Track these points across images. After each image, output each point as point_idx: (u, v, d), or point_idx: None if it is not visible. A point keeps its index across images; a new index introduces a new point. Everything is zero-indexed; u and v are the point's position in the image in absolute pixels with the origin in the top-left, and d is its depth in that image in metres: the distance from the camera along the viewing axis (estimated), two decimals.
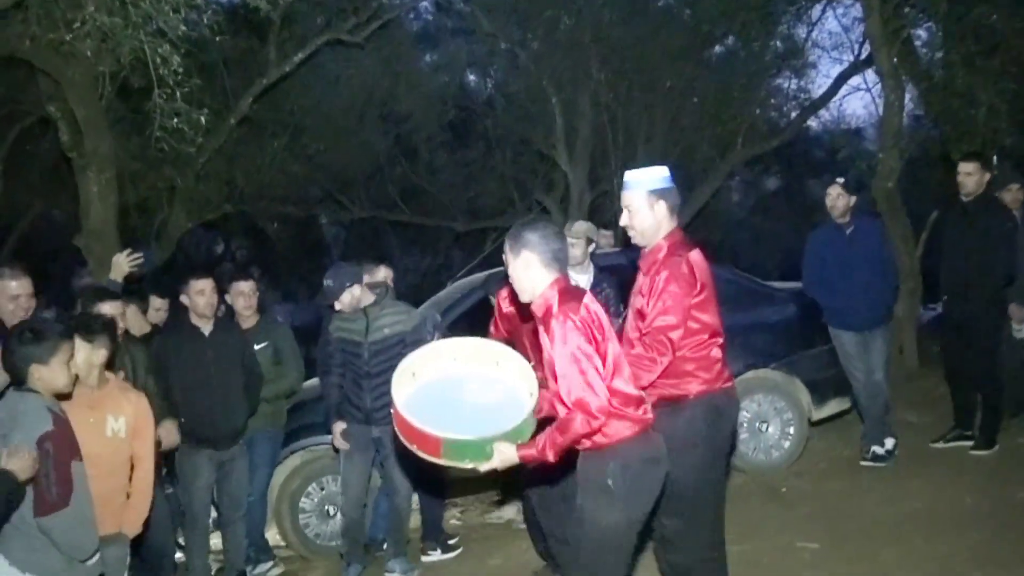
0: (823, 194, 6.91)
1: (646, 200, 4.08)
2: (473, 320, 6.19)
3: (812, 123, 16.80)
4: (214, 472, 5.66)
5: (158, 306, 6.24)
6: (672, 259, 4.00)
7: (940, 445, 6.84)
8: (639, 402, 3.59)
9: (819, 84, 22.71)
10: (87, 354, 3.91)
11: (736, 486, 6.59)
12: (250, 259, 17.42)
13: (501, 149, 14.02)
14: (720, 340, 4.15)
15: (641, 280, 4.09)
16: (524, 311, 3.71)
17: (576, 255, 5.88)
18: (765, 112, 14.62)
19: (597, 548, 3.57)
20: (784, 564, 5.14)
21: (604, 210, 13.40)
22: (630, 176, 4.15)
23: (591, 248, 6.00)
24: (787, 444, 6.89)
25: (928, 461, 6.64)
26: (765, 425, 6.87)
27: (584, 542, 3.61)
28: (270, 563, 6.18)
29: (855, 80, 13.78)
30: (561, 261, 3.61)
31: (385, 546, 5.93)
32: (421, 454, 3.66)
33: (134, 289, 5.76)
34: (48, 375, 3.51)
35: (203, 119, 7.15)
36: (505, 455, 3.49)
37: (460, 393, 3.85)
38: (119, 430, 4.07)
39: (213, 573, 5.94)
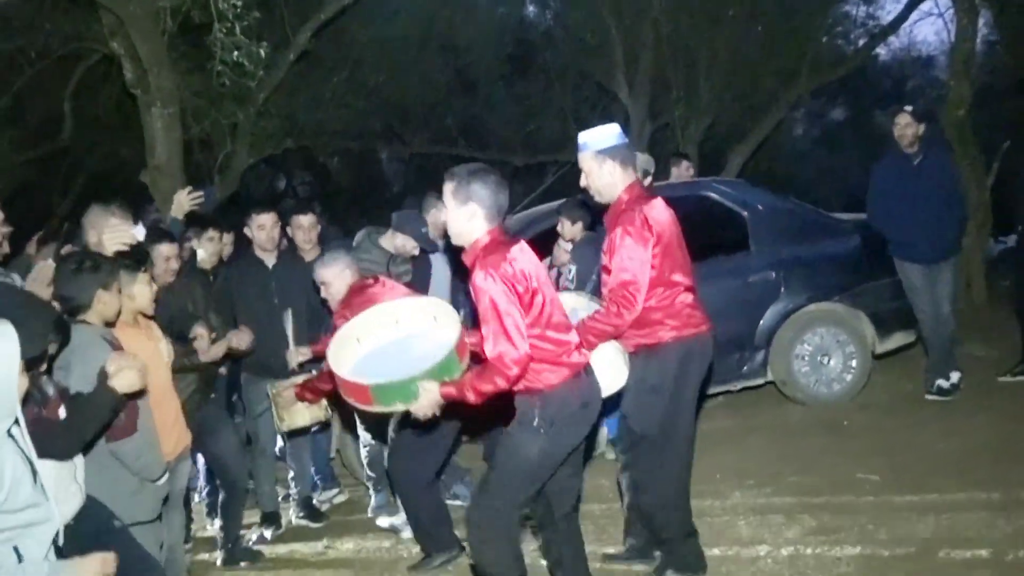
0: (891, 124, 6.76)
1: (595, 160, 4.17)
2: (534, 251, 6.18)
3: (880, 51, 16.34)
4: None
5: (223, 240, 6.35)
6: (626, 214, 4.11)
7: (1007, 379, 6.75)
8: (570, 349, 3.62)
9: (888, 10, 21.96)
10: (146, 285, 3.98)
11: (798, 419, 6.61)
12: (311, 194, 17.58)
13: (560, 82, 13.89)
14: (687, 287, 4.22)
15: (607, 237, 4.19)
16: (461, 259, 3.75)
17: None
18: (831, 40, 14.22)
19: (510, 472, 3.65)
20: (845, 496, 5.12)
21: (665, 142, 13.25)
22: (580, 138, 4.23)
23: (648, 181, 5.95)
24: (849, 377, 6.83)
25: (993, 395, 6.56)
26: (827, 358, 6.81)
27: (500, 464, 3.71)
28: (335, 490, 6.35)
29: (926, 5, 13.50)
30: (503, 214, 3.66)
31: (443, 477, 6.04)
32: (360, 405, 3.83)
33: (203, 222, 5.84)
34: (110, 300, 3.56)
35: (263, 53, 7.17)
36: (430, 393, 3.58)
37: (402, 350, 3.98)
38: (166, 354, 4.20)
39: (280, 499, 6.11)
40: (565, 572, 3.91)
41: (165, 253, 4.99)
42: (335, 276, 4.82)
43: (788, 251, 6.88)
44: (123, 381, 3.16)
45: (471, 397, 3.54)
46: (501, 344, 3.42)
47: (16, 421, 2.68)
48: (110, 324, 3.69)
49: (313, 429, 5.65)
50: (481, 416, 4.19)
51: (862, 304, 6.89)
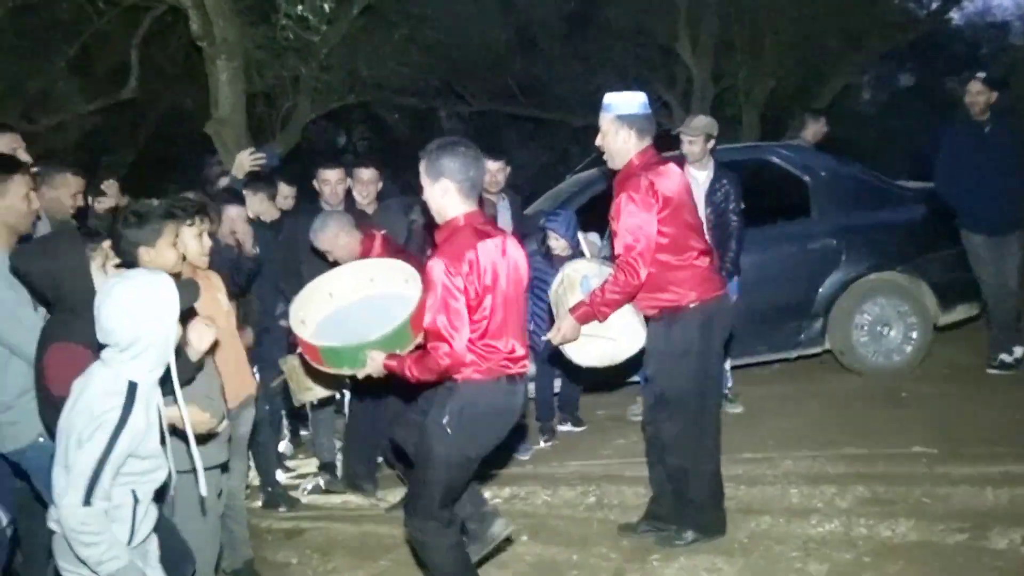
0: (962, 91, 6.60)
1: (614, 124, 4.19)
2: (591, 213, 6.17)
3: (953, 14, 15.86)
4: None
5: (286, 193, 6.41)
6: (631, 180, 4.12)
7: None
8: (500, 359, 3.58)
9: None
10: (195, 237, 3.97)
11: (855, 389, 6.55)
12: (370, 149, 17.64)
13: (622, 42, 13.71)
14: (702, 250, 4.27)
15: (613, 202, 4.21)
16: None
17: (695, 151, 5.82)
18: (902, 2, 13.85)
19: (424, 478, 3.66)
20: (901, 468, 5.07)
21: (728, 105, 13.06)
22: (606, 99, 4.25)
23: (710, 145, 5.90)
24: (909, 348, 6.74)
25: None
26: (887, 328, 6.73)
27: (416, 470, 3.77)
28: None
29: None
30: (478, 188, 3.63)
31: None
32: (312, 362, 3.96)
33: (262, 182, 5.91)
34: (156, 257, 3.53)
35: (326, 6, 7.19)
36: (375, 363, 3.68)
37: (368, 310, 4.07)
38: (225, 303, 4.27)
39: (338, 449, 6.21)
40: (470, 516, 3.92)
41: (233, 215, 5.08)
42: (330, 242, 4.97)
43: (850, 218, 6.78)
44: (203, 344, 3.26)
45: (409, 376, 3.60)
46: (442, 334, 3.45)
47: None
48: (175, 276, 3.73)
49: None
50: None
51: (925, 274, 6.78)
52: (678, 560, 4.31)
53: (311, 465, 6.20)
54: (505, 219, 6.00)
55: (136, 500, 2.88)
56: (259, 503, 5.62)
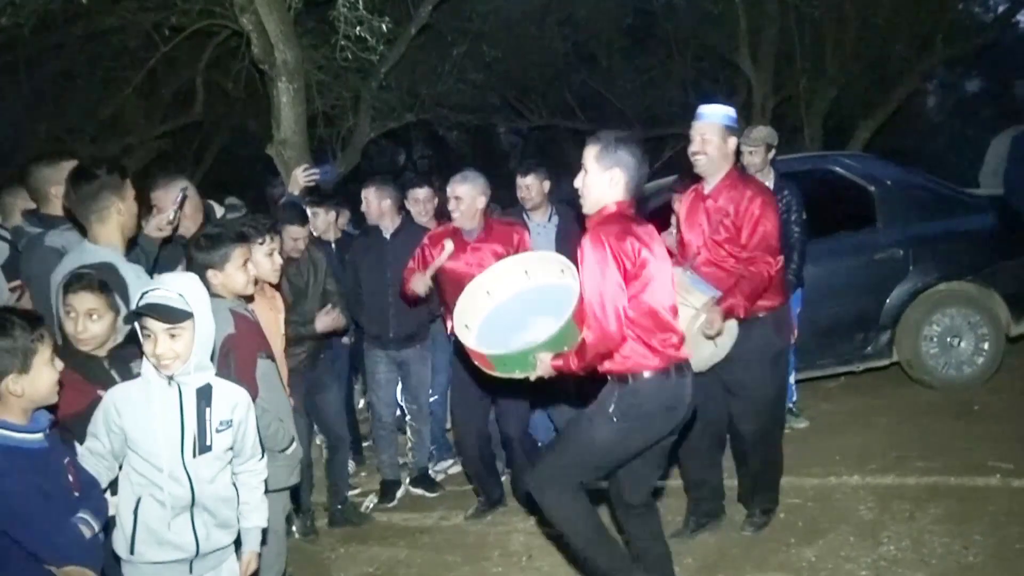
0: None
1: (720, 133, 4.38)
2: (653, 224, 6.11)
3: (1021, 18, 15.49)
4: (395, 370, 5.93)
5: (332, 216, 6.45)
6: (754, 185, 4.51)
7: None
8: (669, 339, 3.58)
9: None
10: (266, 256, 4.04)
11: (925, 402, 6.40)
12: (430, 167, 17.77)
13: (681, 54, 13.66)
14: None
15: (720, 206, 4.40)
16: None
17: (755, 162, 5.76)
18: (969, 7, 13.57)
19: (573, 448, 3.69)
20: (974, 483, 4.94)
21: (788, 116, 12.91)
22: (710, 108, 4.44)
23: (771, 155, 5.83)
24: (981, 360, 6.57)
25: None
26: (958, 340, 6.57)
27: (568, 437, 3.81)
28: (450, 461, 6.44)
29: None
30: (640, 187, 3.68)
31: None
32: (485, 370, 3.95)
33: (319, 198, 5.98)
34: (225, 280, 3.61)
35: (385, 27, 7.26)
36: (544, 364, 3.67)
37: (528, 306, 4.04)
38: (282, 326, 4.32)
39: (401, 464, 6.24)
40: (646, 566, 3.86)
41: (295, 234, 5.15)
42: (468, 194, 5.08)
43: (917, 228, 6.64)
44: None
45: (574, 367, 3.59)
46: (599, 315, 3.44)
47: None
48: (248, 298, 3.78)
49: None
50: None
51: (996, 284, 6.61)
52: None
53: (373, 482, 6.22)
54: (548, 242, 5.76)
55: (137, 503, 2.88)
56: (324, 521, 5.66)
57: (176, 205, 4.14)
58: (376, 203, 5.86)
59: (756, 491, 4.77)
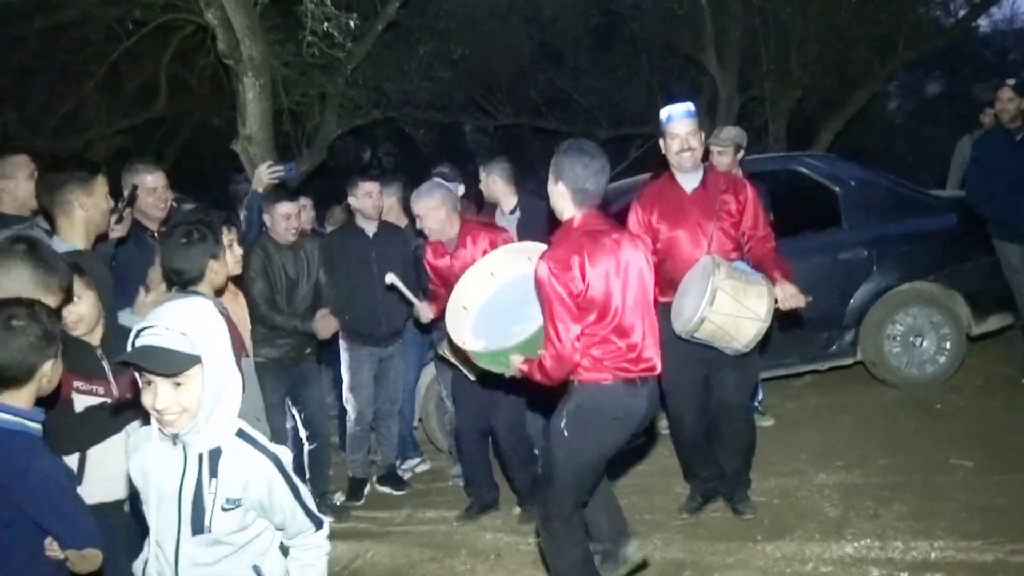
0: (992, 99, 6.52)
1: (699, 129, 4.63)
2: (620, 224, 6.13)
3: (981, 22, 15.74)
4: (375, 367, 5.92)
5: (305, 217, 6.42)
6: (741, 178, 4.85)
7: None
8: (625, 356, 3.56)
9: None
10: (231, 247, 3.89)
11: (888, 400, 6.47)
12: (396, 165, 17.70)
13: (647, 54, 13.69)
14: None
15: (720, 197, 4.61)
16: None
17: (725, 162, 5.79)
18: (930, 10, 13.74)
19: (553, 476, 3.69)
20: (936, 481, 5.00)
21: (753, 115, 13.00)
22: (685, 107, 4.59)
23: (739, 155, 5.86)
24: (942, 359, 6.64)
25: None
26: (920, 339, 6.63)
27: (544, 466, 3.88)
28: (418, 459, 6.42)
29: None
30: (592, 195, 3.60)
31: None
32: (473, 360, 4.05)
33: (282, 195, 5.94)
34: (219, 268, 3.51)
35: (352, 23, 7.22)
36: (515, 365, 3.73)
37: (515, 298, 4.10)
38: (248, 321, 4.29)
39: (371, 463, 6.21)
40: (606, 536, 3.93)
41: (284, 211, 5.12)
42: (425, 209, 4.99)
43: (881, 228, 6.70)
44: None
45: (538, 378, 3.62)
46: (552, 344, 3.48)
47: None
48: (219, 293, 3.69)
49: None
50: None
51: (958, 284, 6.68)
52: None
53: (340, 481, 6.18)
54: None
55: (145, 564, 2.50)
56: None
57: (124, 202, 4.04)
58: (380, 199, 5.85)
59: (743, 471, 4.95)
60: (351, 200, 5.89)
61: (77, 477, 3.04)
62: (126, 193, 4.13)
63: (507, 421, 5.15)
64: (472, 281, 4.33)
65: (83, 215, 3.61)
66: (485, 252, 4.77)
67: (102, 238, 3.83)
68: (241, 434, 2.40)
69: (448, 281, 4.89)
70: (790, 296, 4.37)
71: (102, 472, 3.14)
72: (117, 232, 3.98)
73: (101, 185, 3.70)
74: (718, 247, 4.56)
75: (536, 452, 5.23)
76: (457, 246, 5.04)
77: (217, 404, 2.31)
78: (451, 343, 4.26)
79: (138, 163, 4.56)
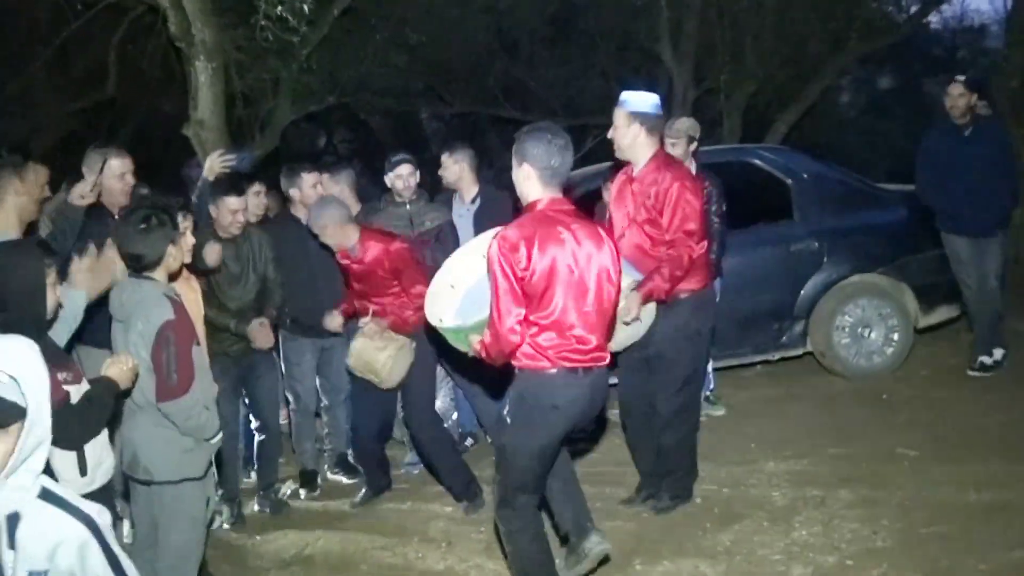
0: (941, 94, 6.61)
1: (626, 119, 4.51)
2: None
3: (932, 19, 15.94)
4: (317, 357, 5.85)
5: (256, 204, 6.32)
6: (676, 168, 4.58)
7: None
8: (569, 345, 3.54)
9: None
10: (185, 236, 3.80)
11: (837, 391, 6.56)
12: (351, 152, 17.57)
13: (603, 45, 13.71)
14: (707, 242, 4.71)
15: (643, 189, 4.52)
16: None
17: (677, 153, 5.79)
18: (882, 6, 13.89)
19: (501, 456, 3.73)
20: (883, 470, 5.07)
21: (708, 107, 13.07)
22: (622, 96, 4.56)
23: (693, 147, 5.88)
24: (890, 350, 6.74)
25: None
26: (868, 330, 6.73)
27: (496, 446, 3.95)
28: None
29: None
30: (561, 175, 3.61)
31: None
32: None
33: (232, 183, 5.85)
34: (176, 254, 3.51)
35: (306, 7, 7.14)
36: (473, 345, 3.72)
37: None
38: (201, 307, 4.24)
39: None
40: (570, 528, 3.95)
41: (233, 205, 5.04)
42: (321, 229, 5.03)
43: (832, 221, 6.78)
44: (116, 371, 3.23)
45: (485, 358, 3.64)
46: (493, 323, 3.49)
47: None
48: (173, 278, 3.67)
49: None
50: None
51: (906, 276, 6.78)
52: (661, 564, 4.30)
53: (291, 469, 6.13)
54: (467, 225, 5.77)
55: None
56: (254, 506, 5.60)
57: (96, 174, 4.06)
58: (317, 190, 5.78)
59: (667, 474, 4.87)
60: (292, 191, 5.82)
61: (81, 469, 3.06)
62: (98, 165, 4.22)
63: (418, 420, 5.31)
64: (460, 263, 4.30)
65: (15, 201, 3.56)
66: (377, 259, 4.99)
67: (33, 226, 3.80)
68: (46, 495, 2.03)
69: (369, 280, 5.10)
70: (625, 310, 4.20)
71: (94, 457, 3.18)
72: (88, 199, 4.08)
73: (34, 171, 3.64)
74: (630, 240, 4.54)
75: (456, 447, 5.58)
76: (360, 253, 5.07)
77: (27, 460, 1.97)
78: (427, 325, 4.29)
79: (110, 146, 4.64)
